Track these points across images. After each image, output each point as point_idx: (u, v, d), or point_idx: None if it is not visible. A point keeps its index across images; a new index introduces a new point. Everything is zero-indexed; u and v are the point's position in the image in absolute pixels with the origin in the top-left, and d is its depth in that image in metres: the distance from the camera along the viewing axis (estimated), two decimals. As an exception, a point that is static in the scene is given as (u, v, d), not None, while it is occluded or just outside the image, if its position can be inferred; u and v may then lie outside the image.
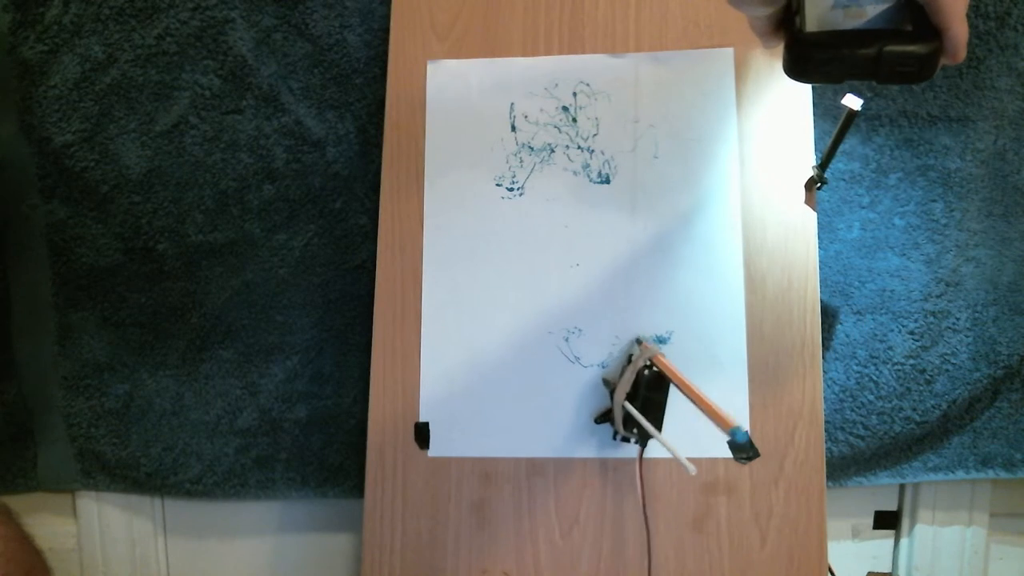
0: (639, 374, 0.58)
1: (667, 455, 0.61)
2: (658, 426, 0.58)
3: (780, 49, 0.44)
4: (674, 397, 0.62)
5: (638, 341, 0.63)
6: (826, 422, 0.63)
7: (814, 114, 0.63)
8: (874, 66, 0.40)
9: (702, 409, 0.50)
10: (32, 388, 0.74)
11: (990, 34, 0.66)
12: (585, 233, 0.64)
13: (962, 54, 0.39)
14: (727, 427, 0.45)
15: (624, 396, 0.58)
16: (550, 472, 0.63)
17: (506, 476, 0.63)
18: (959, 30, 0.38)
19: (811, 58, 0.41)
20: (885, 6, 0.41)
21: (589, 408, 0.63)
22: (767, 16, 0.44)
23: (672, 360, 0.62)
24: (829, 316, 0.69)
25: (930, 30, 0.40)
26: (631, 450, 0.62)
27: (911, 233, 0.69)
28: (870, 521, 0.77)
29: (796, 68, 0.43)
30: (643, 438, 0.59)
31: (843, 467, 0.71)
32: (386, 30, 0.68)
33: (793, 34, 0.42)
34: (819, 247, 0.62)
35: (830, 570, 0.62)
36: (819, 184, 0.62)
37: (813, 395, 0.61)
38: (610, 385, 0.61)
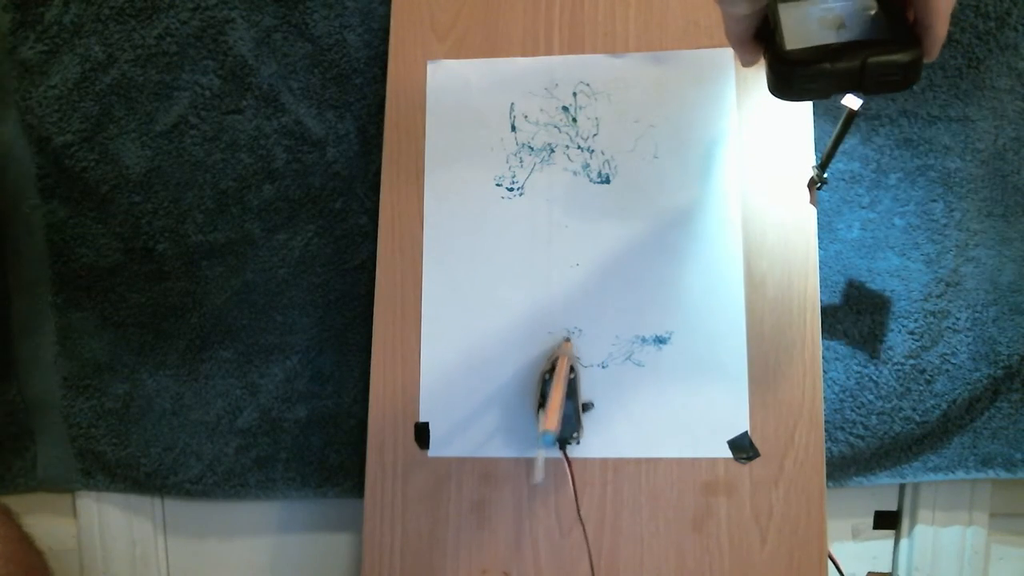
0: (542, 378, 0.58)
1: (666, 455, 0.61)
2: (573, 429, 0.60)
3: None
4: (671, 401, 0.62)
5: (566, 339, 0.62)
6: (826, 422, 0.63)
7: (814, 114, 0.63)
8: (859, 78, 0.41)
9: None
10: (32, 388, 0.74)
11: (990, 34, 0.66)
12: (585, 233, 0.64)
13: (936, 53, 0.40)
14: (541, 429, 0.47)
15: (536, 404, 0.59)
16: (550, 472, 0.63)
17: (506, 476, 0.63)
18: (941, 30, 0.39)
19: (795, 76, 0.42)
20: (858, 9, 0.41)
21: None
22: (746, 18, 0.43)
23: (672, 360, 0.62)
24: (829, 316, 0.69)
25: (907, 36, 0.40)
26: (632, 450, 0.62)
27: (911, 233, 0.69)
28: (870, 521, 0.76)
29: (781, 87, 0.43)
30: (561, 442, 0.60)
31: (843, 467, 0.71)
32: (386, 30, 0.68)
33: (774, 52, 0.42)
34: (819, 247, 0.62)
35: (832, 560, 0.62)
36: (819, 184, 0.62)
37: (813, 395, 0.61)
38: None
